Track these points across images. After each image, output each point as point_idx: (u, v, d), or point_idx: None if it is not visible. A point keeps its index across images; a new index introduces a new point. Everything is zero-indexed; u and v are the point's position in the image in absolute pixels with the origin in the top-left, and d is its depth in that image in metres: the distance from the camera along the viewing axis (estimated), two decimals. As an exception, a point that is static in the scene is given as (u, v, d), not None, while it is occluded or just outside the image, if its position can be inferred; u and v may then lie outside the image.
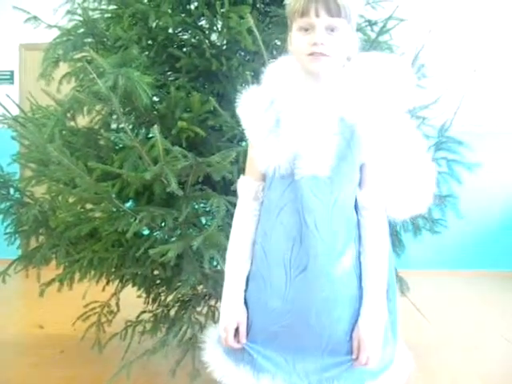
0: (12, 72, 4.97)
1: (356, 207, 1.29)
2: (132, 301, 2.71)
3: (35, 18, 2.53)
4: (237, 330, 1.33)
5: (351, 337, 1.28)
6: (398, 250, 2.54)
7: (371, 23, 2.52)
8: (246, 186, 1.36)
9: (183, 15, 2.34)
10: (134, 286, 2.61)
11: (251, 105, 1.32)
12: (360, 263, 1.29)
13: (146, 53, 2.34)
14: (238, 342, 1.33)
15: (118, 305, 2.74)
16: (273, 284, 1.28)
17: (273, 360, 1.29)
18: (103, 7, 2.47)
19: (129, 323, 2.61)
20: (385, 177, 1.31)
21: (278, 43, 2.25)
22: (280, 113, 1.28)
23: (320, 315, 1.26)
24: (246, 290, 1.36)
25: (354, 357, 1.27)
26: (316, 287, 1.25)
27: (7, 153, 2.51)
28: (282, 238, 1.27)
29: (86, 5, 2.45)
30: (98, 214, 2.25)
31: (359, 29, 2.46)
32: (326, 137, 1.24)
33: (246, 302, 1.35)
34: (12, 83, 4.96)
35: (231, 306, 1.35)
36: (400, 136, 1.31)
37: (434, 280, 4.35)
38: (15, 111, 2.48)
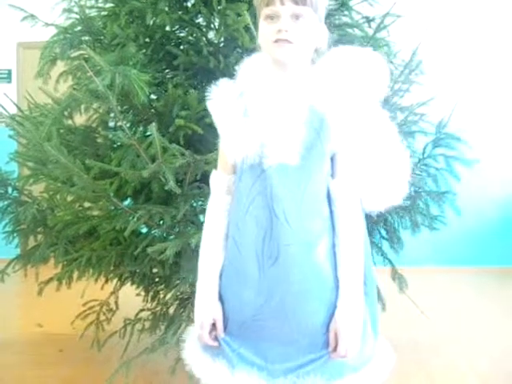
0: (10, 71, 4.97)
1: (329, 198, 1.28)
2: (131, 299, 2.71)
3: (32, 16, 2.52)
4: (213, 325, 1.33)
5: (328, 329, 1.26)
6: (396, 246, 2.54)
7: (368, 20, 2.53)
8: (218, 180, 1.36)
9: (180, 13, 2.34)
10: (132, 284, 2.61)
11: (221, 98, 1.32)
12: (335, 254, 1.28)
13: (143, 51, 2.33)
14: (215, 337, 1.32)
15: (116, 303, 2.74)
16: (247, 276, 1.28)
17: (248, 359, 1.28)
18: (100, 5, 2.47)
19: (128, 321, 2.61)
20: (357, 167, 1.30)
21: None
22: (248, 103, 1.28)
23: (294, 308, 1.25)
24: (221, 285, 1.34)
25: (330, 349, 1.25)
26: (288, 278, 1.24)
27: (5, 151, 2.51)
28: (254, 230, 1.26)
29: (82, 3, 2.45)
30: (96, 213, 2.25)
31: (357, 25, 2.47)
32: (293, 125, 1.24)
33: (220, 297, 1.34)
34: (10, 82, 4.95)
35: (206, 302, 1.34)
36: (371, 126, 1.30)
37: (433, 277, 4.35)
38: (13, 110, 2.48)
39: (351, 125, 1.26)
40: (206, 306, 1.34)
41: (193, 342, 1.40)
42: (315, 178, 1.25)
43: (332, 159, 1.28)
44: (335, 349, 1.24)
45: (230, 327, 1.32)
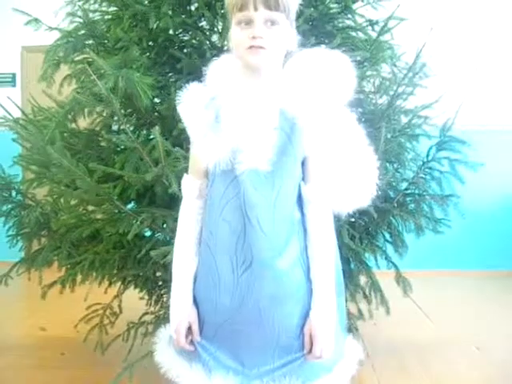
0: (14, 74, 4.98)
1: (299, 201, 1.29)
2: (134, 302, 2.70)
3: (36, 20, 2.53)
4: (189, 329, 1.33)
5: (302, 331, 1.28)
6: (400, 250, 2.53)
7: (372, 23, 2.52)
8: (190, 185, 1.36)
9: (184, 16, 2.34)
10: (136, 287, 2.61)
11: (192, 102, 1.31)
12: (306, 257, 1.29)
13: (147, 54, 2.34)
14: (191, 341, 1.33)
15: (120, 307, 2.74)
16: (221, 282, 1.28)
17: (224, 363, 1.30)
18: (103, 9, 2.47)
19: (131, 325, 2.61)
20: (328, 170, 1.31)
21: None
22: (220, 109, 1.28)
23: (268, 312, 1.26)
24: (195, 289, 1.35)
25: (306, 351, 1.27)
26: (261, 283, 1.25)
27: (9, 155, 2.51)
28: (227, 235, 1.26)
29: (86, 7, 2.45)
30: (99, 216, 2.25)
31: (360, 28, 2.46)
32: (265, 131, 1.24)
33: (196, 301, 1.35)
34: (14, 86, 4.96)
35: (181, 306, 1.35)
36: (341, 129, 1.31)
37: (437, 280, 4.33)
38: (17, 113, 2.48)
39: (322, 129, 1.26)
40: (182, 310, 1.34)
41: (166, 346, 1.41)
42: (287, 183, 1.26)
43: (303, 163, 1.28)
44: (310, 350, 1.26)
45: (205, 331, 1.33)
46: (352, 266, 2.50)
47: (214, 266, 1.29)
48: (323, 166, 1.30)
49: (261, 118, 1.25)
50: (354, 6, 2.47)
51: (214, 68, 1.38)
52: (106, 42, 2.40)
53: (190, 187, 1.36)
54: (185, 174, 1.39)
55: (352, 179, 1.35)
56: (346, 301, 2.49)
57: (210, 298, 1.31)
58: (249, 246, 1.24)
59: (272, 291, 1.25)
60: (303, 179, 1.29)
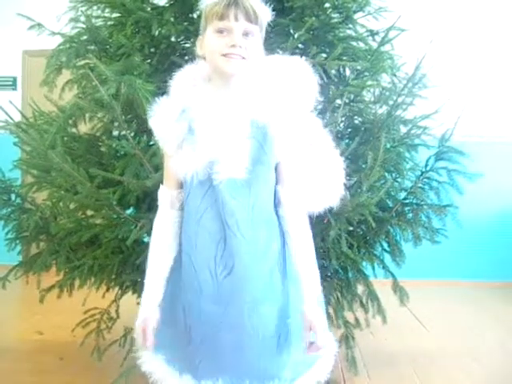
0: (15, 78, 4.98)
1: (275, 204, 1.34)
2: (132, 308, 2.69)
3: (39, 25, 2.54)
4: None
5: (279, 330, 1.32)
6: (398, 259, 2.53)
7: (373, 33, 2.54)
8: (165, 195, 1.39)
9: (186, 24, 2.35)
10: (133, 293, 2.60)
11: (163, 115, 1.34)
12: (283, 259, 1.35)
13: (149, 61, 2.35)
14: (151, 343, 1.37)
15: (117, 312, 2.74)
16: (202, 289, 1.32)
17: (212, 371, 1.32)
18: (106, 15, 2.48)
19: (128, 330, 2.61)
20: (299, 173, 1.37)
21: (280, 52, 2.26)
22: (193, 121, 1.31)
23: (251, 315, 1.29)
24: (182, 298, 1.38)
25: (305, 345, 1.30)
26: (244, 288, 1.29)
27: (9, 158, 2.52)
28: (207, 243, 1.30)
29: (89, 12, 2.46)
30: (98, 221, 2.25)
31: (361, 38, 2.48)
32: (239, 140, 1.28)
33: (183, 310, 1.37)
34: (15, 89, 4.97)
35: (146, 309, 1.42)
36: (308, 133, 1.39)
37: (433, 290, 4.34)
38: (18, 117, 2.49)
39: (292, 134, 1.32)
40: (148, 314, 1.40)
41: (153, 356, 1.44)
42: (263, 189, 1.31)
43: (276, 168, 1.34)
44: (310, 344, 1.30)
45: (193, 340, 1.35)
46: (350, 274, 2.51)
47: (194, 273, 1.32)
48: (295, 170, 1.36)
49: (234, 128, 1.29)
50: (356, 16, 2.49)
51: (180, 79, 1.41)
52: (108, 47, 2.41)
53: (165, 198, 1.39)
54: (160, 185, 1.42)
55: (321, 180, 1.42)
56: (343, 309, 2.51)
57: (194, 307, 1.34)
58: (230, 252, 1.28)
59: (255, 294, 1.29)
60: (277, 183, 1.34)
